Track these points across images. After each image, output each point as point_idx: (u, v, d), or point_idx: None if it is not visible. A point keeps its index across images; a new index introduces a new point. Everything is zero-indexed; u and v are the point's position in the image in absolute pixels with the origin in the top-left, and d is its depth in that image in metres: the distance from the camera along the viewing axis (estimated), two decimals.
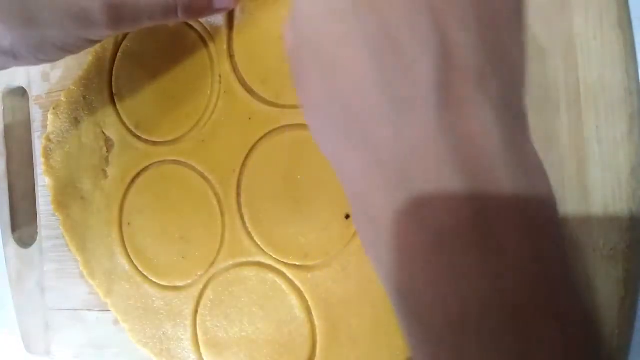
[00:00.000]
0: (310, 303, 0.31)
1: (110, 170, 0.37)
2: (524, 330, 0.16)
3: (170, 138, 0.35)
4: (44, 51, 0.29)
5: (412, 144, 0.17)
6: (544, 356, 0.15)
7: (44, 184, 0.40)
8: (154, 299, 0.35)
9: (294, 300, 0.31)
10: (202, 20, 0.34)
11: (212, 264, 0.33)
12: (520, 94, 0.19)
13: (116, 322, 0.37)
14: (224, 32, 0.33)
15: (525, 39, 0.19)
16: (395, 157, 0.17)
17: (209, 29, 0.33)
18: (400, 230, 0.17)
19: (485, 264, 0.16)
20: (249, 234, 0.32)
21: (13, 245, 0.42)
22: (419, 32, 0.17)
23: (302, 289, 0.31)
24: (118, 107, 0.36)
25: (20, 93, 0.42)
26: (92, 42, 0.30)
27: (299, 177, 0.31)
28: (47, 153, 0.39)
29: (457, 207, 0.16)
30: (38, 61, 0.30)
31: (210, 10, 0.30)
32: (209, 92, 0.33)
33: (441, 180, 0.16)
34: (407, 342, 0.19)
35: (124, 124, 0.36)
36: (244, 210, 0.32)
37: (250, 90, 0.32)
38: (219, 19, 0.33)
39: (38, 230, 0.41)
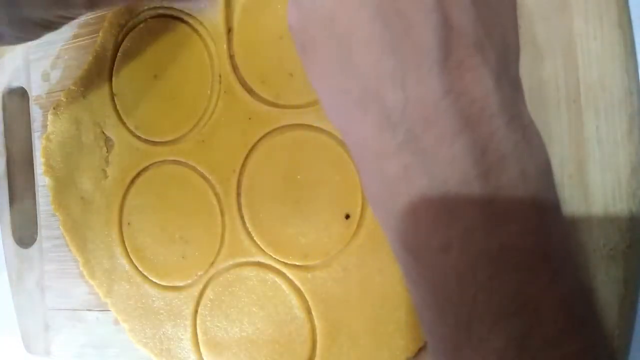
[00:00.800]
0: (310, 303, 0.31)
1: (110, 170, 0.37)
2: (522, 268, 0.17)
3: (170, 138, 0.35)
4: (25, 30, 0.30)
5: (420, 106, 0.18)
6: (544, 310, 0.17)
7: (44, 184, 0.40)
8: (154, 299, 0.35)
9: (294, 300, 0.31)
10: (202, 20, 0.34)
11: (212, 264, 0.33)
12: (515, 67, 0.20)
13: (116, 322, 0.37)
14: (224, 32, 0.33)
15: (516, 21, 0.21)
16: (405, 119, 0.18)
17: (209, 28, 0.33)
18: (410, 186, 0.18)
19: (489, 219, 0.18)
20: (249, 234, 0.32)
21: (13, 245, 0.42)
22: (423, 4, 0.18)
23: (302, 289, 0.31)
24: (118, 107, 0.36)
25: (20, 93, 0.42)
26: (70, 19, 0.31)
27: (299, 177, 0.31)
28: (47, 153, 0.39)
29: (464, 166, 0.18)
30: (17, 40, 0.31)
31: None
32: (209, 92, 0.33)
33: (447, 142, 0.18)
34: (415, 303, 0.20)
35: (124, 124, 0.36)
36: (244, 210, 0.32)
37: (250, 90, 0.32)
38: (218, 20, 0.33)
39: (38, 230, 0.41)
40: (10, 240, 0.42)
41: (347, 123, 0.20)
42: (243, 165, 0.32)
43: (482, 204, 0.18)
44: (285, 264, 0.31)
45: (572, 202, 0.24)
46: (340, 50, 0.19)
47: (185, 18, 0.34)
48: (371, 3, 0.18)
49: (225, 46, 0.33)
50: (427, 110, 0.18)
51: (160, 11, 0.35)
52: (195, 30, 0.34)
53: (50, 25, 0.30)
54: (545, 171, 0.19)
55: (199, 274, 0.34)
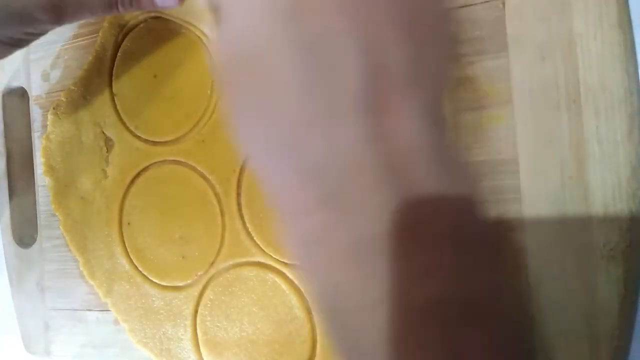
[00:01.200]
0: (310, 303, 0.31)
1: (110, 170, 0.37)
2: (448, 325, 0.16)
3: (170, 138, 0.35)
4: None
5: (341, 156, 0.17)
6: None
7: (44, 184, 0.40)
8: (154, 299, 0.35)
9: (294, 300, 0.31)
10: (202, 20, 0.34)
11: (212, 264, 0.33)
12: (440, 103, 0.19)
13: (116, 322, 0.37)
14: None
15: (454, 56, 0.20)
16: (324, 170, 0.17)
17: (208, 29, 0.33)
18: (330, 247, 0.17)
19: (415, 264, 0.16)
20: (249, 234, 0.32)
21: (13, 245, 0.42)
22: (348, 42, 0.17)
23: (302, 289, 0.31)
24: (118, 107, 0.36)
25: (20, 93, 0.42)
26: (39, 35, 0.31)
27: None
28: (47, 153, 0.39)
29: (390, 219, 0.16)
30: None
31: (152, 6, 0.30)
32: (209, 92, 0.33)
33: (371, 193, 0.17)
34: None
35: (124, 124, 0.36)
36: (244, 211, 0.32)
37: None
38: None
39: (38, 230, 0.41)
40: (10, 240, 0.42)
41: (264, 170, 0.19)
42: (243, 165, 0.32)
43: (408, 258, 0.16)
44: (285, 264, 0.31)
45: (572, 202, 0.24)
46: (259, 94, 0.18)
47: (185, 19, 0.34)
48: (294, 43, 0.17)
49: None
50: (350, 159, 0.17)
51: (159, 14, 0.35)
52: (195, 31, 0.34)
53: (19, 43, 0.31)
54: (472, 200, 0.18)
55: (199, 274, 0.34)
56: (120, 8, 0.29)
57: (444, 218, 0.17)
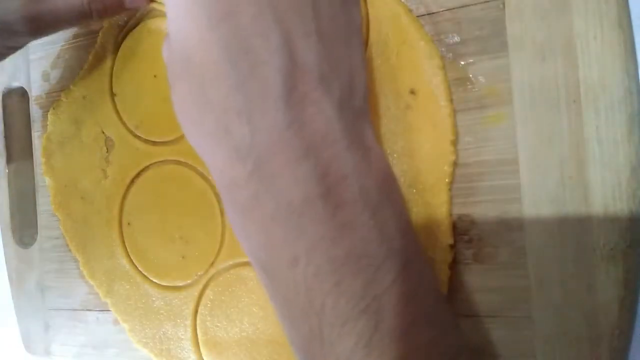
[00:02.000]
0: None
1: (110, 170, 0.37)
2: (366, 271, 0.20)
3: (170, 138, 0.35)
4: None
5: (265, 138, 0.20)
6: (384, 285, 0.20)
7: (44, 184, 0.40)
8: (154, 299, 0.35)
9: None
10: None
11: (212, 264, 0.33)
12: (361, 99, 0.22)
13: (116, 322, 0.37)
14: None
15: (364, 61, 0.23)
16: (253, 150, 0.20)
17: None
18: (260, 212, 0.20)
19: (333, 232, 0.20)
20: None
21: (13, 246, 0.42)
22: (269, 41, 0.20)
23: None
24: (118, 107, 0.36)
25: (20, 93, 0.42)
26: (18, 48, 0.32)
27: None
28: (47, 153, 0.39)
29: (306, 187, 0.20)
30: None
31: (123, 9, 0.32)
32: None
33: (291, 167, 0.20)
34: (278, 319, 0.22)
35: (124, 124, 0.36)
36: None
37: None
38: None
39: (38, 230, 0.41)
40: (10, 240, 0.42)
41: (203, 153, 0.22)
42: None
43: (325, 219, 0.20)
44: None
45: (572, 202, 0.24)
46: (196, 87, 0.21)
47: None
48: (220, 42, 0.20)
49: None
50: (272, 141, 0.20)
51: (160, 14, 0.35)
52: None
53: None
54: (385, 186, 0.22)
55: (199, 274, 0.34)
56: (94, 17, 0.30)
57: (353, 185, 0.20)
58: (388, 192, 0.22)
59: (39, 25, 0.30)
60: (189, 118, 0.22)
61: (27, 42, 0.33)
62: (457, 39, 0.26)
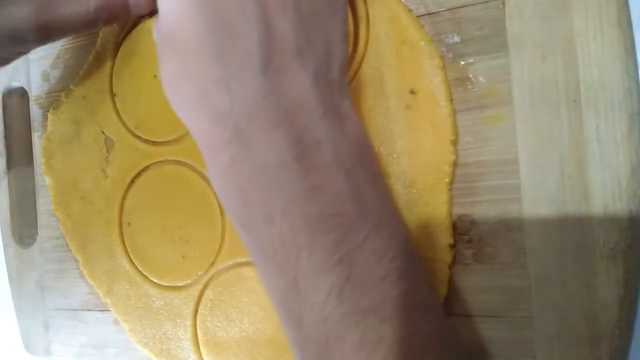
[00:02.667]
0: None
1: (110, 170, 0.37)
2: (338, 228, 0.21)
3: (170, 138, 0.35)
4: None
5: (244, 106, 0.21)
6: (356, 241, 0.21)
7: (44, 184, 0.40)
8: (154, 299, 0.35)
9: None
10: None
11: (212, 264, 0.33)
12: (338, 71, 0.23)
13: (116, 322, 0.37)
14: None
15: (345, 33, 0.24)
16: (232, 117, 0.21)
17: None
18: (239, 173, 0.22)
19: (307, 192, 0.21)
20: None
21: (13, 245, 0.42)
22: (247, 14, 0.21)
23: None
24: (118, 107, 0.36)
25: (20, 93, 0.42)
26: (24, 53, 0.34)
27: None
28: (47, 153, 0.39)
29: (281, 151, 0.21)
30: None
31: (128, 15, 0.32)
32: None
33: (268, 132, 0.21)
34: (259, 276, 0.24)
35: (124, 124, 0.36)
36: None
37: None
38: None
39: (38, 230, 0.41)
40: (10, 240, 0.42)
41: (187, 120, 0.23)
42: None
43: (299, 180, 0.21)
44: None
45: (572, 202, 0.24)
46: (180, 60, 0.22)
47: None
48: (202, 18, 0.21)
49: None
50: (250, 108, 0.21)
51: None
52: None
53: (6, 61, 0.33)
54: (360, 152, 0.23)
55: (199, 274, 0.34)
56: (100, 24, 0.31)
57: (328, 149, 0.21)
58: (362, 158, 0.23)
59: (47, 32, 0.31)
60: (174, 89, 0.23)
61: (34, 48, 0.34)
62: (457, 39, 0.26)
